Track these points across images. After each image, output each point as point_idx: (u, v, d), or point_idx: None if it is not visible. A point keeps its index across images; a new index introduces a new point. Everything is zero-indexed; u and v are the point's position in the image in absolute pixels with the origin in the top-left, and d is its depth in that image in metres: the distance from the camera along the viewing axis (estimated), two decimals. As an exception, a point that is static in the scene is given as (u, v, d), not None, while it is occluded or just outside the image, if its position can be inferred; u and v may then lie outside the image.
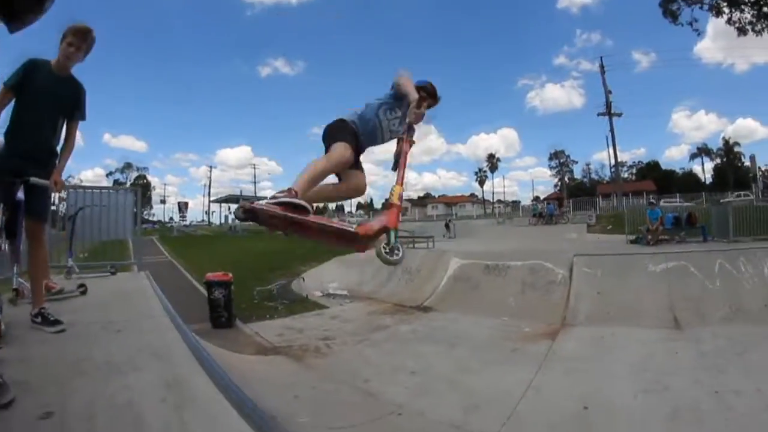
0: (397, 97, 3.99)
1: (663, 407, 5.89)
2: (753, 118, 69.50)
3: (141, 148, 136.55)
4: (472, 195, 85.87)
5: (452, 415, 5.94)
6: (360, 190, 4.06)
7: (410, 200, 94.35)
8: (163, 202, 74.76)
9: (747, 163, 60.67)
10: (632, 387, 6.56)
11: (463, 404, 6.25)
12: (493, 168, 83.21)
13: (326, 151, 3.75)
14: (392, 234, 3.30)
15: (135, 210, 9.29)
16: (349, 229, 3.44)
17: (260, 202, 3.37)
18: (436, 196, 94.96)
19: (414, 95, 3.81)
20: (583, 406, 5.97)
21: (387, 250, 3.24)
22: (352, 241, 3.47)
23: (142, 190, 10.19)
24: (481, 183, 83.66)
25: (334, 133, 3.86)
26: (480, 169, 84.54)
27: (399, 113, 4.02)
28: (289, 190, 3.28)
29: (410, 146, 3.88)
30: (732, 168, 66.64)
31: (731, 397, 5.98)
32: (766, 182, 47.31)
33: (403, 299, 13.58)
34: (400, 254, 3.29)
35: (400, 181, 3.62)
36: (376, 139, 4.05)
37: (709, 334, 8.77)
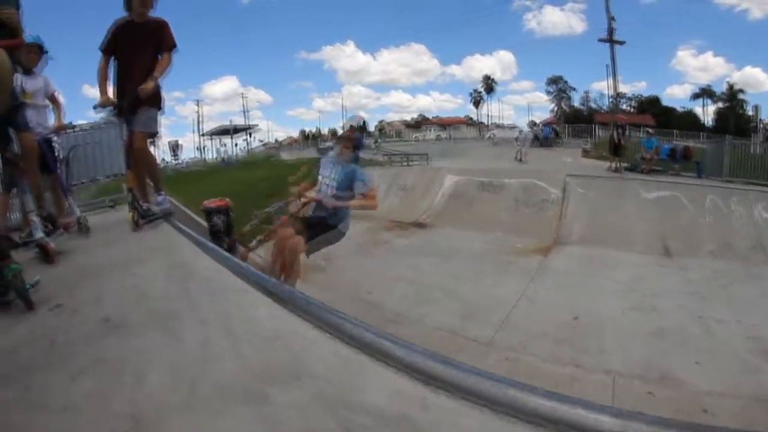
0: None
1: (649, 324, 6.14)
2: (762, 68, 67.48)
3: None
4: (468, 117, 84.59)
5: (449, 321, 6.18)
6: None
7: (404, 122, 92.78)
8: (153, 144, 72.35)
9: (750, 112, 59.74)
10: (621, 303, 6.82)
11: (459, 312, 6.48)
12: (489, 89, 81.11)
13: None
14: None
15: None
16: None
17: None
18: (431, 118, 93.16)
19: None
20: (573, 317, 6.21)
21: None
22: None
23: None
24: (477, 104, 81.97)
25: None
26: (475, 90, 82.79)
27: None
28: None
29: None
30: (734, 114, 65.57)
31: (713, 324, 6.20)
32: (766, 134, 47.01)
33: (399, 216, 13.56)
34: None
35: None
36: None
37: (696, 264, 8.95)
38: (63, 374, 1.90)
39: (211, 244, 4.40)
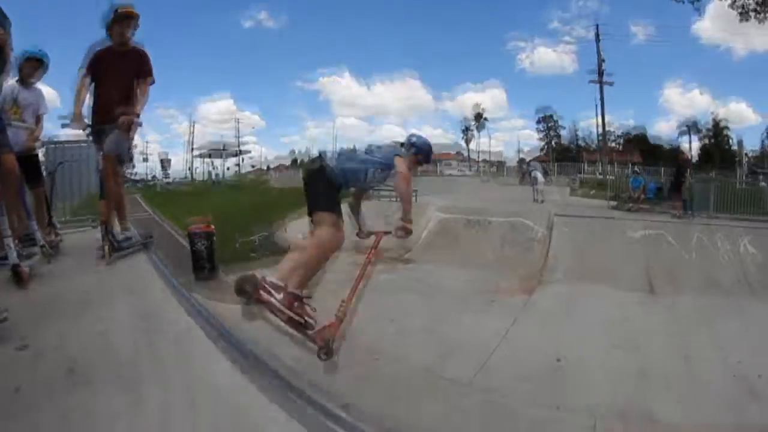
0: (390, 167, 4.65)
1: (633, 364, 6.04)
2: (746, 103, 68.79)
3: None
4: (458, 153, 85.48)
5: (428, 361, 5.99)
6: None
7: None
8: (145, 159, 72.45)
9: (735, 147, 60.69)
10: (604, 344, 6.71)
11: (439, 352, 6.29)
12: (480, 127, 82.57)
13: (310, 209, 4.51)
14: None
15: None
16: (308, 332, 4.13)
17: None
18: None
19: (408, 203, 4.96)
20: (556, 359, 6.08)
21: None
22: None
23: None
24: (468, 142, 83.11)
25: (319, 198, 4.46)
26: (467, 128, 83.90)
27: (384, 175, 4.79)
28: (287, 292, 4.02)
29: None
30: (719, 149, 66.54)
31: (699, 364, 6.11)
32: (751, 168, 47.62)
33: (384, 250, 13.44)
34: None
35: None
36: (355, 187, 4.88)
37: (682, 301, 8.91)
38: (25, 426, 1.93)
39: (185, 293, 4.33)
